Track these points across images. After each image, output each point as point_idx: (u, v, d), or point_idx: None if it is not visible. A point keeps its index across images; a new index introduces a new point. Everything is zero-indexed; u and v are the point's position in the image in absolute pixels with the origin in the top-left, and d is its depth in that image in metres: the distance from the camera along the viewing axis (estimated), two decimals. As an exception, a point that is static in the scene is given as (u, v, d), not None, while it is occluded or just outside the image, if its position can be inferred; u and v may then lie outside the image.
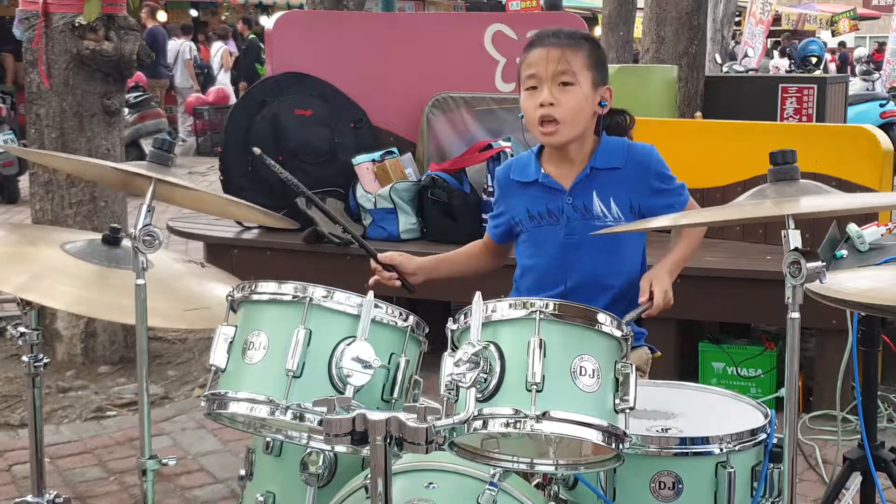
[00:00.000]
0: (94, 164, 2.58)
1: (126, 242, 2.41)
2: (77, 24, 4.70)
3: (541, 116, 2.37)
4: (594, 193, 2.44)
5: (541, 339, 1.69)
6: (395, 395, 1.89)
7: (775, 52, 20.65)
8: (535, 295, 2.28)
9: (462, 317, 1.79)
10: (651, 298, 2.28)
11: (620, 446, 1.74)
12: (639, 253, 2.53)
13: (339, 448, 1.76)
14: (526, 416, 1.66)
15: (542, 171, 2.49)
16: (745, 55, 14.56)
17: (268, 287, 1.92)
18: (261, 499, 2.14)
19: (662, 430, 2.00)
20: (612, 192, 2.44)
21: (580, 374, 1.71)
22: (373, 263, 2.48)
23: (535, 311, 1.73)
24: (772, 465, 2.00)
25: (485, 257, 2.68)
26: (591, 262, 2.44)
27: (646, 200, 2.45)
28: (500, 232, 2.61)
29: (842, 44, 24.39)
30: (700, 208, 2.52)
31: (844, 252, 3.34)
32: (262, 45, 15.94)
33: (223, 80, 15.72)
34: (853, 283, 2.43)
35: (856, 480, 2.69)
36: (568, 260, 2.45)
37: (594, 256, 2.44)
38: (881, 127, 5.96)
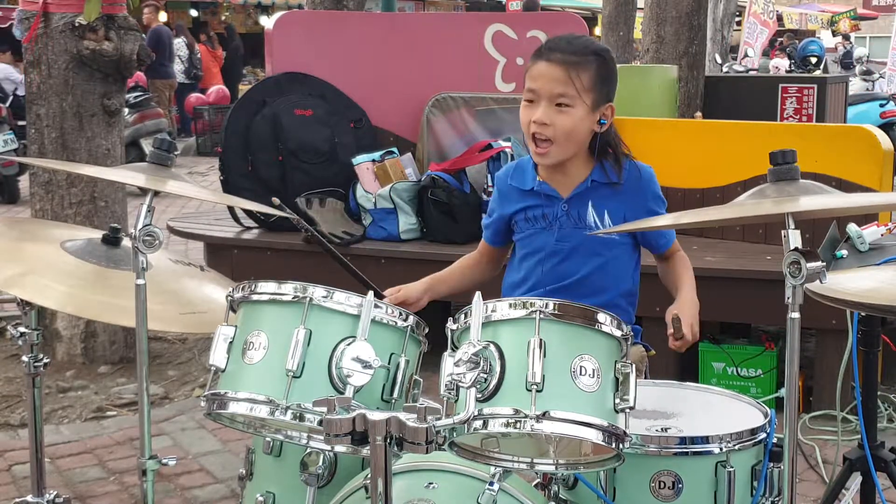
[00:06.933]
0: (95, 171, 2.58)
1: (126, 242, 2.41)
2: (77, 24, 4.70)
3: (533, 133, 2.35)
4: (590, 204, 2.44)
5: (541, 339, 1.69)
6: (395, 395, 1.89)
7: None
8: None
9: (462, 317, 1.79)
10: (679, 332, 2.21)
11: (620, 446, 1.74)
12: (630, 266, 2.51)
13: (339, 448, 1.76)
14: (526, 416, 1.66)
15: (539, 178, 2.48)
16: (746, 55, 14.55)
17: (268, 287, 1.91)
18: (261, 499, 2.14)
19: (662, 429, 2.00)
20: (607, 206, 2.44)
21: (580, 373, 1.71)
22: None
23: (535, 311, 1.73)
24: (772, 465, 2.01)
25: (481, 266, 2.64)
26: (581, 270, 2.44)
27: (639, 219, 2.44)
28: (494, 234, 2.60)
29: (846, 37, 24.30)
30: (685, 259, 2.52)
31: (844, 252, 3.34)
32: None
33: None
34: (853, 283, 2.43)
35: (856, 480, 2.69)
36: (558, 266, 2.45)
37: (584, 264, 2.44)
38: (881, 127, 5.95)
